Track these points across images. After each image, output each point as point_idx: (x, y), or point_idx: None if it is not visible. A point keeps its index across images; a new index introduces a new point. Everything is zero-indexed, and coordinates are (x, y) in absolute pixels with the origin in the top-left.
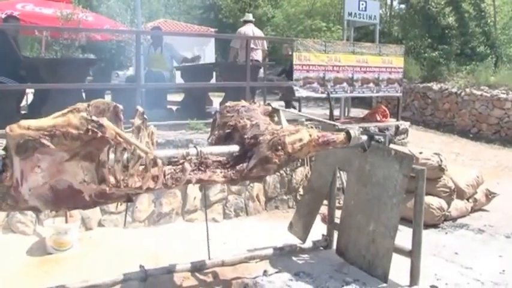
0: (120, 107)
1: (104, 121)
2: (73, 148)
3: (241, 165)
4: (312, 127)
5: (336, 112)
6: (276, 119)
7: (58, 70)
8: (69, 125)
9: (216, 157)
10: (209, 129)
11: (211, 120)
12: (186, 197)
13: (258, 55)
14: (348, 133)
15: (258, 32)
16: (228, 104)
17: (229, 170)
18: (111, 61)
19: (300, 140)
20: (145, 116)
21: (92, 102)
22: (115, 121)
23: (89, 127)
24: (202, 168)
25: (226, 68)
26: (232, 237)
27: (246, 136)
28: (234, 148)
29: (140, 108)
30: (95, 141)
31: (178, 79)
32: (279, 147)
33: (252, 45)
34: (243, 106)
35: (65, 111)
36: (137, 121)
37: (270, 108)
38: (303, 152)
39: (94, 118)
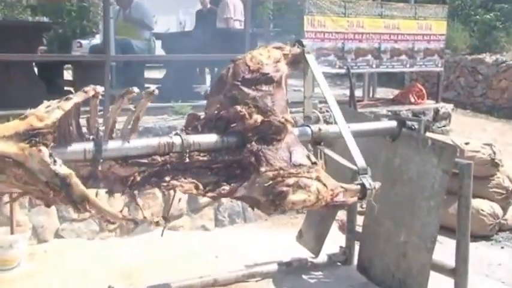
0: (101, 90)
1: (72, 178)
2: (25, 189)
3: (225, 184)
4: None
5: (359, 92)
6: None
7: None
8: (24, 163)
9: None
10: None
11: (200, 102)
12: (169, 199)
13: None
14: (363, 187)
15: (238, 2)
16: (248, 60)
17: (213, 177)
18: (71, 26)
19: (304, 201)
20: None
21: (60, 114)
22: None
23: (50, 183)
24: (182, 168)
25: (219, 37)
26: (226, 249)
27: (250, 136)
28: (230, 140)
29: (136, 89)
30: (55, 197)
31: (159, 50)
32: (277, 202)
33: (234, 16)
34: (264, 74)
35: (20, 128)
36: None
37: (300, 52)
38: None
39: (59, 170)
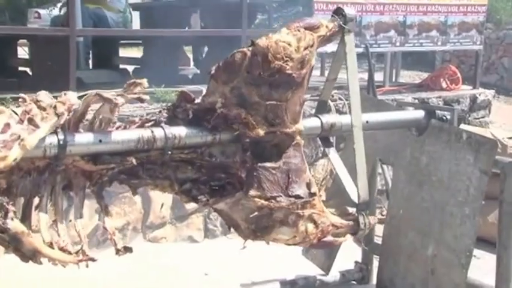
0: (77, 103)
1: (24, 236)
2: None
3: (204, 187)
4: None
5: (379, 76)
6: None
7: None
8: None
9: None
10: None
11: (186, 87)
12: (150, 204)
13: None
14: (356, 224)
15: None
16: (271, 53)
17: (193, 173)
18: None
19: (287, 240)
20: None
21: (20, 155)
22: None
23: None
24: (159, 163)
25: (211, 8)
26: (218, 265)
27: (247, 142)
28: (224, 138)
29: (120, 100)
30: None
31: (136, 24)
32: (258, 234)
33: None
34: (286, 75)
35: None
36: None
37: (336, 28)
38: None
39: (9, 226)
